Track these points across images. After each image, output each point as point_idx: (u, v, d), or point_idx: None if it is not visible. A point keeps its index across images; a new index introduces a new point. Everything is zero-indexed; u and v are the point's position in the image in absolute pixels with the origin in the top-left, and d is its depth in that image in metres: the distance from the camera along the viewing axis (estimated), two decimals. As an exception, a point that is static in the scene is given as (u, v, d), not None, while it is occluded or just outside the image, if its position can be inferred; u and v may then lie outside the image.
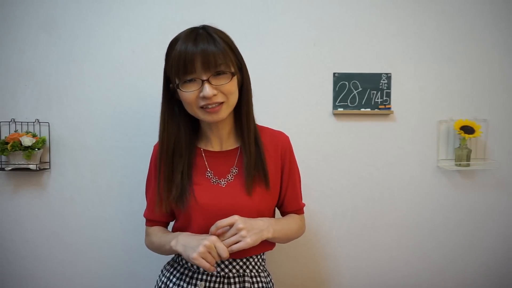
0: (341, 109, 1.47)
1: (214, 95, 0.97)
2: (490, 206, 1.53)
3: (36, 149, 1.37)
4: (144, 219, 1.19)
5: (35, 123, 1.42)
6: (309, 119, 1.48)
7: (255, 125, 1.10)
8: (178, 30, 1.41)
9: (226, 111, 1.01)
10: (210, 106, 0.99)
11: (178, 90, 0.99)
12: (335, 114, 1.48)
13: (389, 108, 1.48)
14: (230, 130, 1.10)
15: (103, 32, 1.42)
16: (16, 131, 1.41)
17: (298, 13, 1.45)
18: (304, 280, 1.51)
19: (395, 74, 1.48)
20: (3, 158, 1.41)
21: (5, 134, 1.41)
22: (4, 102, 1.42)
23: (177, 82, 0.98)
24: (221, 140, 1.10)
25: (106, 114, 1.44)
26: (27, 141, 1.34)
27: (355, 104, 1.47)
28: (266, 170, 1.07)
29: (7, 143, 1.35)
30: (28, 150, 1.35)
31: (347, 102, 1.47)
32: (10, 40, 1.41)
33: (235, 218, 0.98)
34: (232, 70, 0.99)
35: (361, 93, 1.47)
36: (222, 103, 0.99)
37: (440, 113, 1.50)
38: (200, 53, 0.95)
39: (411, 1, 1.47)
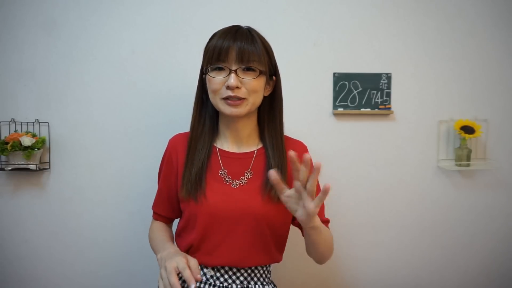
0: (341, 109, 1.47)
1: (238, 87, 0.98)
2: (490, 206, 1.53)
3: (36, 149, 1.37)
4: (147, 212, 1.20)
5: (34, 123, 1.42)
6: (309, 119, 1.48)
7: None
8: (178, 30, 1.43)
9: (245, 108, 1.02)
10: (231, 99, 1.00)
11: (206, 75, 1.03)
12: (335, 114, 1.48)
13: (389, 108, 1.48)
14: (251, 132, 1.10)
15: (103, 32, 1.42)
16: (15, 131, 1.41)
17: (298, 13, 1.45)
18: (304, 280, 1.51)
19: (395, 74, 1.48)
20: (3, 158, 1.41)
21: (4, 134, 1.40)
22: (3, 102, 1.42)
23: (208, 66, 1.02)
24: (238, 141, 1.10)
25: (106, 114, 1.44)
26: (27, 141, 1.34)
27: (355, 104, 1.47)
28: (286, 178, 1.05)
29: (7, 143, 1.35)
30: (28, 150, 1.35)
31: (347, 102, 1.47)
32: (10, 40, 1.41)
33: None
34: (263, 68, 1.01)
35: (361, 93, 1.47)
36: (244, 99, 1.01)
37: (440, 113, 1.50)
38: (237, 47, 0.98)
39: (411, 1, 1.47)
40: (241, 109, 1.01)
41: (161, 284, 0.88)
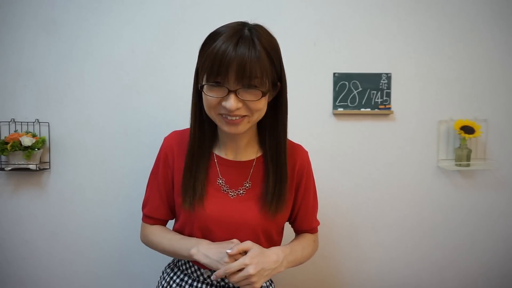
0: (341, 109, 1.47)
1: (238, 109, 0.89)
2: (490, 206, 1.53)
3: (36, 149, 1.37)
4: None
5: (35, 123, 1.42)
6: (309, 119, 1.48)
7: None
8: (178, 30, 1.43)
9: (246, 126, 0.94)
10: (229, 118, 0.91)
11: (202, 91, 0.93)
12: (335, 114, 1.48)
13: (389, 108, 1.48)
14: (250, 140, 1.04)
15: (103, 32, 1.42)
16: (16, 131, 1.41)
17: (298, 13, 1.45)
18: (304, 281, 1.51)
19: (395, 74, 1.47)
20: (3, 158, 1.41)
21: (5, 134, 1.40)
22: (3, 102, 1.42)
23: (204, 81, 0.91)
24: (237, 149, 1.04)
25: (106, 114, 1.44)
26: (27, 141, 1.34)
27: (355, 104, 1.47)
28: (286, 192, 1.02)
29: (7, 143, 1.35)
30: (28, 150, 1.35)
31: (347, 102, 1.47)
32: (10, 40, 1.41)
33: (248, 252, 0.94)
34: (265, 88, 0.90)
35: (361, 93, 1.47)
36: (245, 116, 0.92)
37: (440, 113, 1.50)
38: (237, 60, 0.85)
39: (412, 1, 1.47)
40: (241, 128, 0.93)
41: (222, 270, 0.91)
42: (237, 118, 0.92)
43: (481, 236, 1.54)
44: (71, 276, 1.47)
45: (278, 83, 0.97)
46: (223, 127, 0.94)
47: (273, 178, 1.00)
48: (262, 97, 0.90)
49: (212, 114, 0.95)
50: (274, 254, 0.97)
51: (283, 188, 1.01)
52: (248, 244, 0.95)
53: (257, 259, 0.92)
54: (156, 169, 1.10)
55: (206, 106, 0.94)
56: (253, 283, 0.91)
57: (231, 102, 0.88)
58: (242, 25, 0.91)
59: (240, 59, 0.85)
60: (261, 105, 0.92)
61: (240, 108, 0.90)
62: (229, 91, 0.88)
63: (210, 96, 0.90)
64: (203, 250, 0.95)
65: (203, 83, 0.91)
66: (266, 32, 0.93)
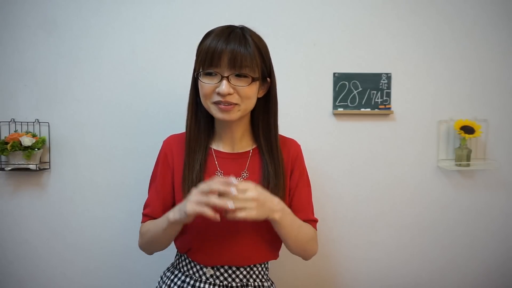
0: (341, 109, 1.47)
1: (230, 94, 0.96)
2: (490, 206, 1.53)
3: (36, 149, 1.37)
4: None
5: (35, 123, 1.42)
6: (309, 119, 1.48)
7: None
8: (178, 30, 1.43)
9: (237, 114, 1.01)
10: (223, 104, 0.98)
11: (198, 79, 1.00)
12: (335, 114, 1.48)
13: (389, 108, 1.48)
14: (244, 132, 1.09)
15: (103, 32, 1.42)
16: (16, 131, 1.41)
17: (298, 13, 1.45)
18: (304, 281, 1.51)
19: (395, 74, 1.48)
20: (3, 158, 1.41)
21: (5, 134, 1.41)
22: (3, 102, 1.42)
23: (200, 71, 0.99)
24: (233, 142, 1.09)
25: (106, 114, 1.44)
26: (27, 141, 1.34)
27: (355, 104, 1.47)
28: (282, 179, 1.05)
29: (7, 143, 1.35)
30: (28, 150, 1.35)
31: (347, 102, 1.47)
32: (10, 39, 1.41)
33: (249, 186, 0.92)
34: (255, 75, 0.98)
35: (361, 93, 1.47)
36: (236, 104, 0.99)
37: (440, 113, 1.50)
38: (229, 51, 0.95)
39: (411, 1, 1.47)
40: (232, 115, 1.00)
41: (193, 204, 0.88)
42: (229, 105, 0.98)
43: (481, 236, 1.54)
44: (71, 276, 1.47)
45: (268, 79, 1.05)
46: (217, 114, 1.01)
47: (269, 166, 1.05)
48: (252, 82, 0.97)
49: (207, 103, 1.01)
50: (276, 199, 0.97)
51: (279, 174, 1.05)
52: (250, 184, 0.93)
53: (261, 191, 0.94)
54: (155, 171, 1.13)
55: (202, 96, 1.01)
56: (251, 208, 0.89)
57: (223, 86, 0.96)
58: (233, 26, 1.02)
59: (232, 50, 0.95)
60: (251, 93, 0.99)
61: (232, 94, 0.97)
62: (222, 77, 0.96)
63: (205, 83, 0.98)
64: (177, 208, 0.95)
65: (200, 72, 0.99)
66: (255, 33, 1.03)
